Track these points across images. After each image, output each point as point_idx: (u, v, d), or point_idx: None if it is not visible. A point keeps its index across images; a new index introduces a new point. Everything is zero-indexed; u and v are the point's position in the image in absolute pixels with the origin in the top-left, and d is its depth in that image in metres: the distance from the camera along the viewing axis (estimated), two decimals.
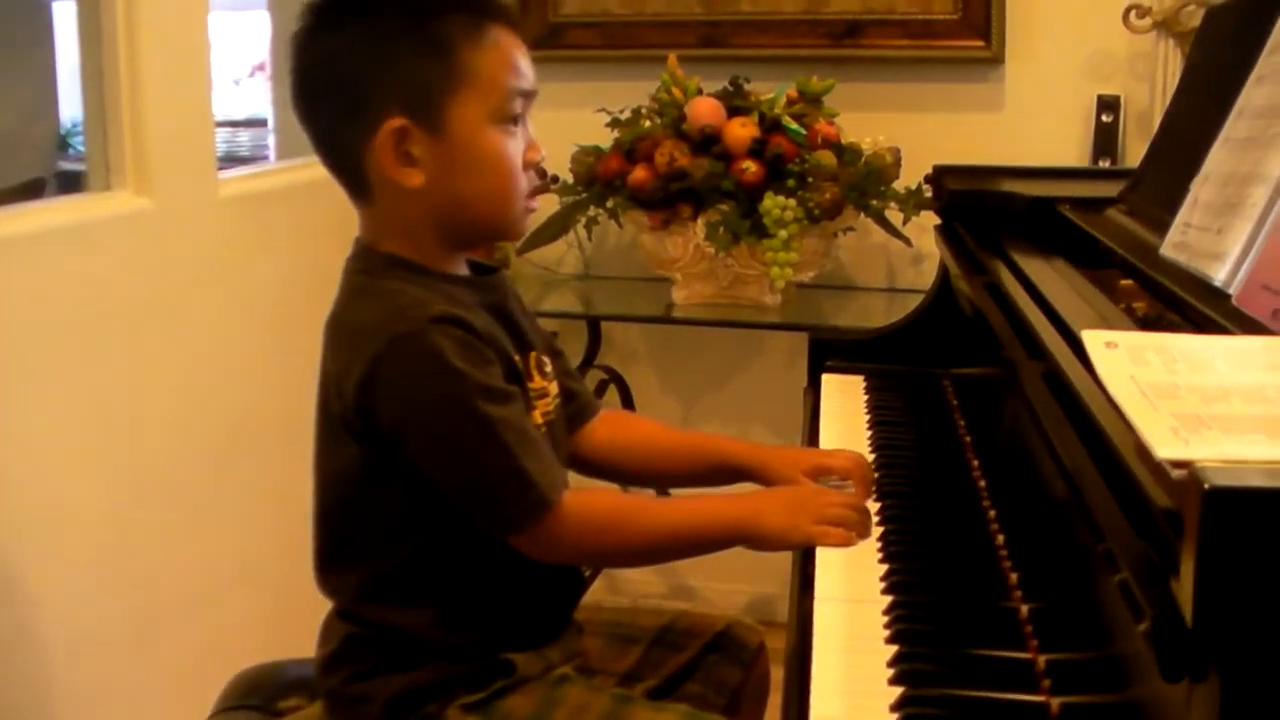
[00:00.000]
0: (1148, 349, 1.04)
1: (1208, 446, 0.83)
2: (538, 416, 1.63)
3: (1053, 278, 1.70)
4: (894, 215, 3.10)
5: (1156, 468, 0.85)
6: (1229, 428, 0.87)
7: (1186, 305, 1.41)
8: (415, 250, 1.61)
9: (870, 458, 1.86)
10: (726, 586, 3.46)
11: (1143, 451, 0.89)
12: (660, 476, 1.89)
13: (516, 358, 1.62)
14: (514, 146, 1.61)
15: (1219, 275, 1.39)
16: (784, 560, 1.69)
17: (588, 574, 2.82)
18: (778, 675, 1.54)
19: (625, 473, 1.89)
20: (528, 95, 1.62)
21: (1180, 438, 0.85)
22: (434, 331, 1.51)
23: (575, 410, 1.81)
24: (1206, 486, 0.76)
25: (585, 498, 1.59)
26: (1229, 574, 0.77)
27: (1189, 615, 0.78)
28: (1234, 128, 1.56)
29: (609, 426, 1.87)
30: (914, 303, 2.41)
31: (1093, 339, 1.07)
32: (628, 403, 3.51)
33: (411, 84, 1.55)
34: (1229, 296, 1.34)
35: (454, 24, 1.57)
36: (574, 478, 1.72)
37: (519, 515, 1.53)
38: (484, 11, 1.59)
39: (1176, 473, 0.81)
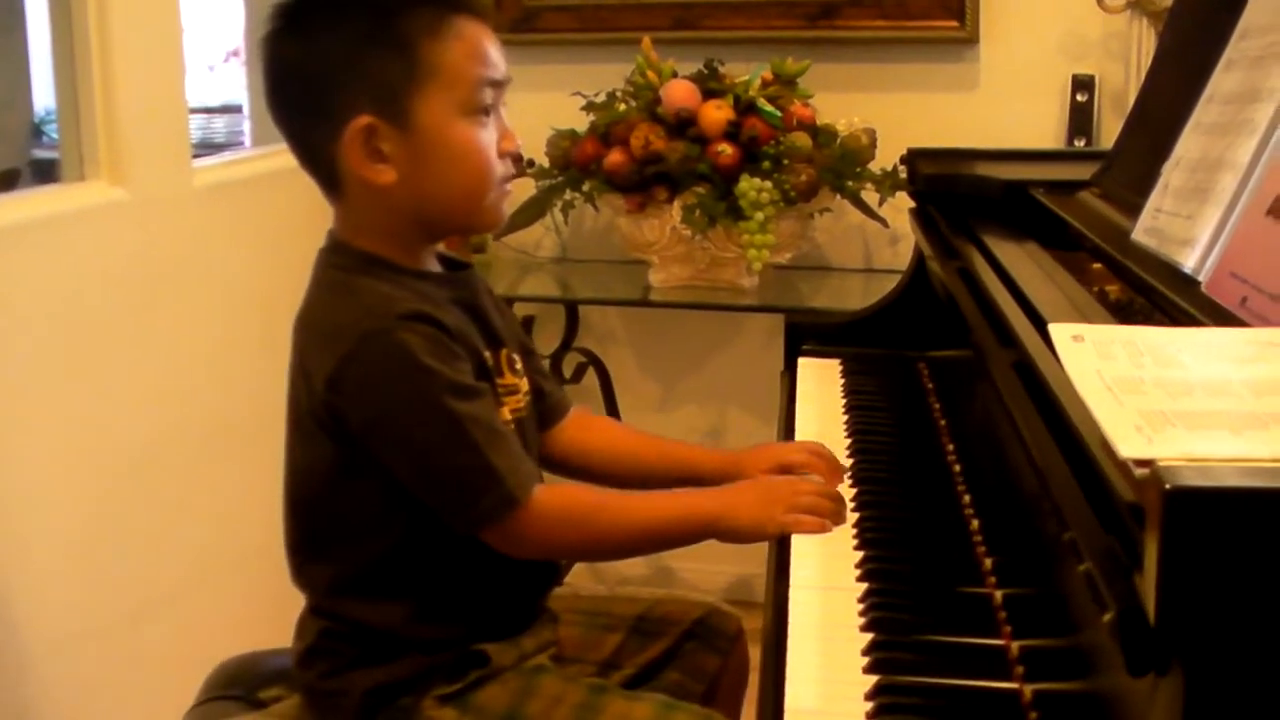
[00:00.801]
0: (1114, 343, 1.04)
1: (1171, 444, 0.84)
2: (506, 413, 1.63)
3: (1025, 263, 1.70)
4: (870, 196, 3.10)
5: (1122, 464, 0.85)
6: (1193, 424, 0.88)
7: (1156, 292, 1.42)
8: (388, 246, 1.61)
9: (846, 442, 1.87)
10: (707, 568, 3.47)
11: (1108, 446, 0.89)
12: (626, 481, 1.90)
13: (486, 354, 1.63)
14: (485, 137, 1.60)
15: (1189, 262, 1.39)
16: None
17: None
18: (758, 656, 1.55)
19: (592, 475, 1.88)
20: (498, 85, 1.61)
21: (1144, 435, 0.86)
22: (403, 329, 1.51)
23: (546, 408, 1.81)
24: (1168, 486, 0.77)
25: (557, 493, 1.59)
26: (1191, 572, 0.78)
27: (1152, 613, 0.79)
28: (1204, 113, 1.57)
29: (578, 428, 1.87)
30: (891, 283, 2.41)
31: (1059, 332, 1.07)
32: (606, 385, 3.51)
33: (376, 82, 1.55)
34: (1199, 283, 1.35)
35: (415, 19, 1.56)
36: (547, 474, 1.72)
37: (487, 511, 1.53)
38: (446, 4, 1.58)
39: (1140, 471, 0.82)
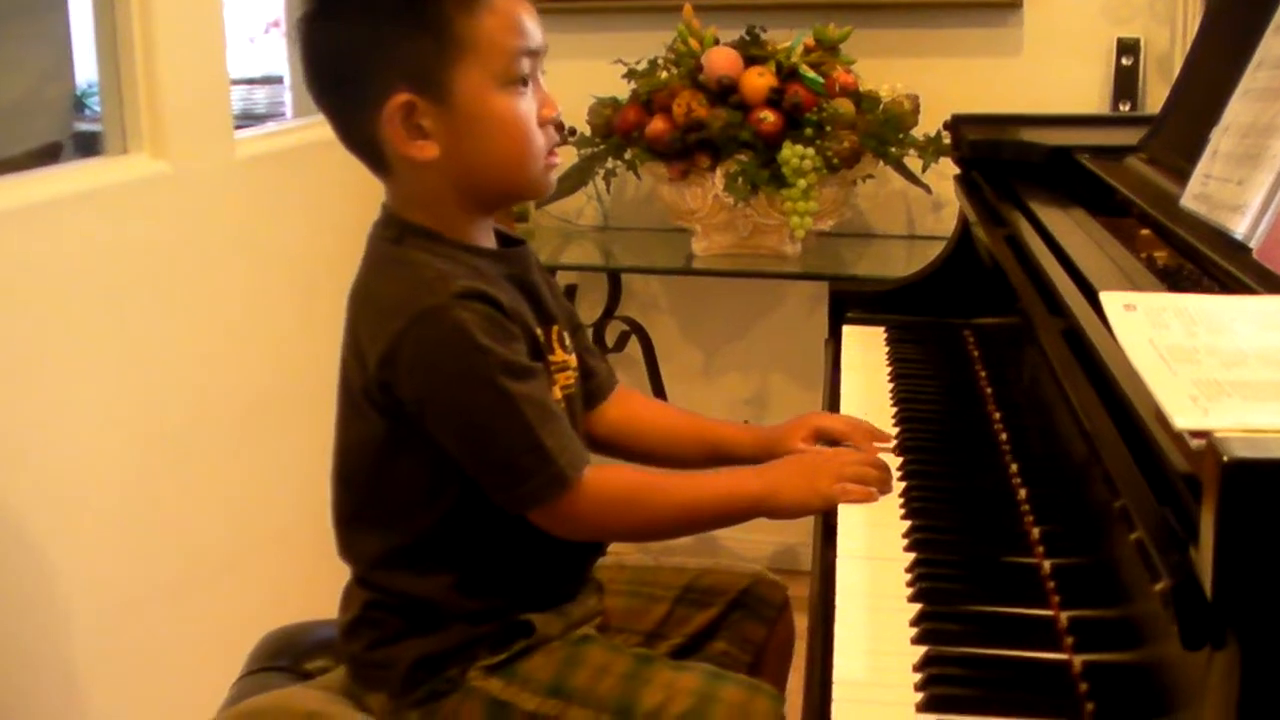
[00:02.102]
0: (1166, 310, 1.03)
1: (1227, 415, 0.83)
2: (557, 391, 1.63)
3: (1072, 230, 1.69)
4: (913, 162, 3.09)
5: (1177, 435, 0.84)
6: (1248, 394, 0.86)
7: (1206, 258, 1.40)
8: (439, 221, 1.61)
9: (892, 411, 1.87)
10: (751, 536, 3.46)
11: (1162, 417, 0.88)
12: (666, 461, 1.90)
13: (539, 331, 1.62)
14: (525, 107, 1.60)
15: (1239, 228, 1.38)
16: None
17: None
18: (802, 624, 1.55)
19: (633, 454, 1.88)
20: (534, 54, 1.60)
21: (1199, 406, 0.84)
22: (458, 307, 1.51)
23: (593, 387, 1.81)
24: (1226, 459, 0.76)
25: (606, 475, 1.59)
26: (1249, 545, 0.77)
27: (1208, 587, 0.78)
28: (1254, 78, 1.55)
29: (622, 407, 1.87)
30: (934, 250, 2.40)
31: (1111, 301, 1.06)
32: (649, 354, 3.50)
33: (412, 58, 1.55)
34: (1249, 250, 1.34)
35: None
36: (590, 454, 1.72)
37: (537, 491, 1.53)
38: None
39: (1196, 442, 0.81)
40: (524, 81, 1.60)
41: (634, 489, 1.63)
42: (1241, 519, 0.77)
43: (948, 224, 2.62)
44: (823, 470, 1.60)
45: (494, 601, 1.62)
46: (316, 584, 1.87)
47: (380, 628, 1.63)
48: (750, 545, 3.48)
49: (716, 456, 1.83)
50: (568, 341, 1.70)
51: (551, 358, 1.64)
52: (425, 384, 1.53)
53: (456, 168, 1.58)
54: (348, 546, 1.67)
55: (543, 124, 1.62)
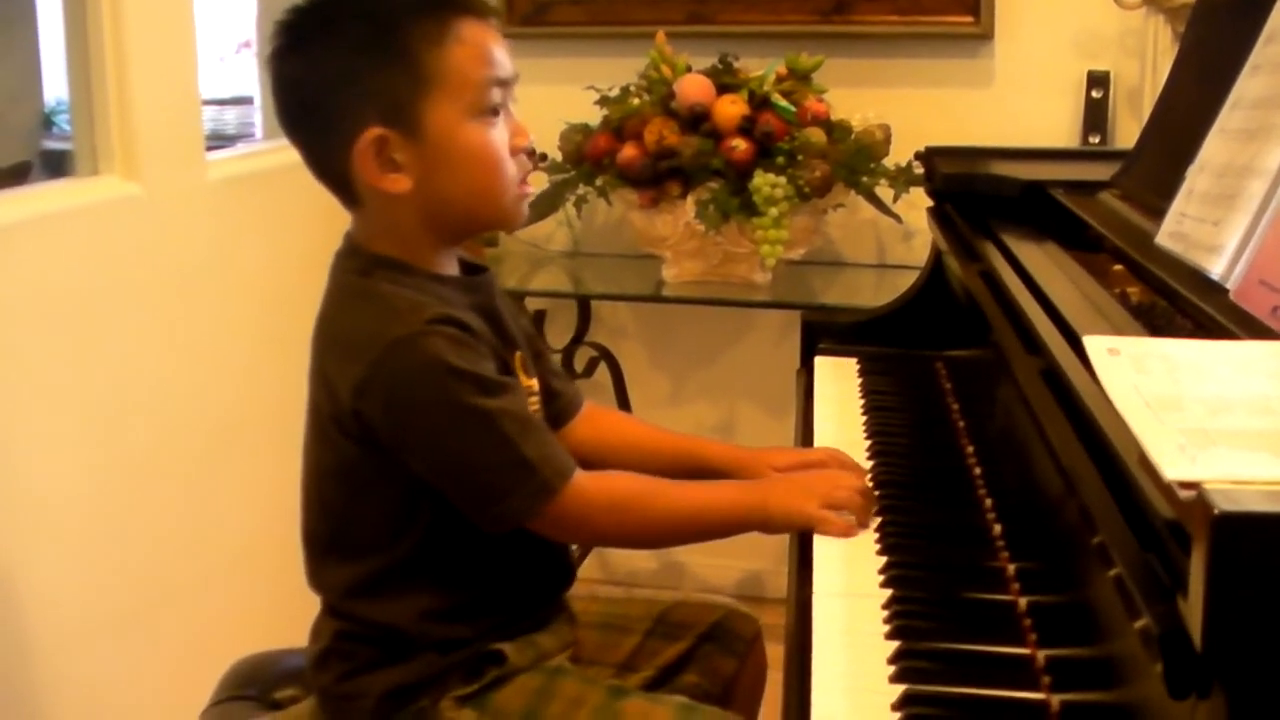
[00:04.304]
0: (1150, 356, 1.03)
1: (1215, 465, 0.83)
2: None
3: (1047, 265, 1.70)
4: (884, 192, 3.09)
5: (1164, 486, 0.84)
6: (1236, 443, 0.86)
7: (1182, 298, 1.41)
8: (407, 251, 1.61)
9: (865, 444, 1.86)
10: (718, 563, 3.46)
11: (1145, 461, 0.88)
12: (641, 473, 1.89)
13: (504, 357, 1.62)
14: (497, 136, 1.60)
15: (1216, 269, 1.38)
16: (776, 537, 1.69)
17: (576, 553, 2.80)
18: (773, 653, 1.54)
19: (607, 469, 1.89)
20: (504, 83, 1.61)
21: (1187, 455, 0.84)
22: (430, 334, 1.51)
23: (559, 408, 1.82)
24: (1216, 512, 0.76)
25: (601, 480, 1.61)
26: (1238, 596, 0.77)
27: (1198, 639, 0.78)
28: (1230, 118, 1.56)
29: (591, 424, 1.87)
30: (904, 279, 2.41)
31: (1094, 345, 1.06)
32: (618, 380, 3.50)
33: (382, 93, 1.55)
34: (1226, 291, 1.34)
35: (415, 28, 1.55)
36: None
37: (521, 506, 1.54)
38: (444, 7, 1.57)
39: (1185, 493, 0.81)
40: (495, 111, 1.60)
41: (631, 493, 1.64)
42: (1232, 572, 0.77)
43: (918, 253, 2.63)
44: (814, 488, 1.61)
45: (465, 630, 1.61)
46: (286, 611, 1.86)
47: (351, 659, 1.62)
48: (717, 571, 3.48)
49: (691, 467, 1.82)
50: (529, 366, 1.70)
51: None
52: (403, 414, 1.52)
53: (429, 200, 1.58)
54: (318, 575, 1.66)
55: (514, 153, 1.63)
